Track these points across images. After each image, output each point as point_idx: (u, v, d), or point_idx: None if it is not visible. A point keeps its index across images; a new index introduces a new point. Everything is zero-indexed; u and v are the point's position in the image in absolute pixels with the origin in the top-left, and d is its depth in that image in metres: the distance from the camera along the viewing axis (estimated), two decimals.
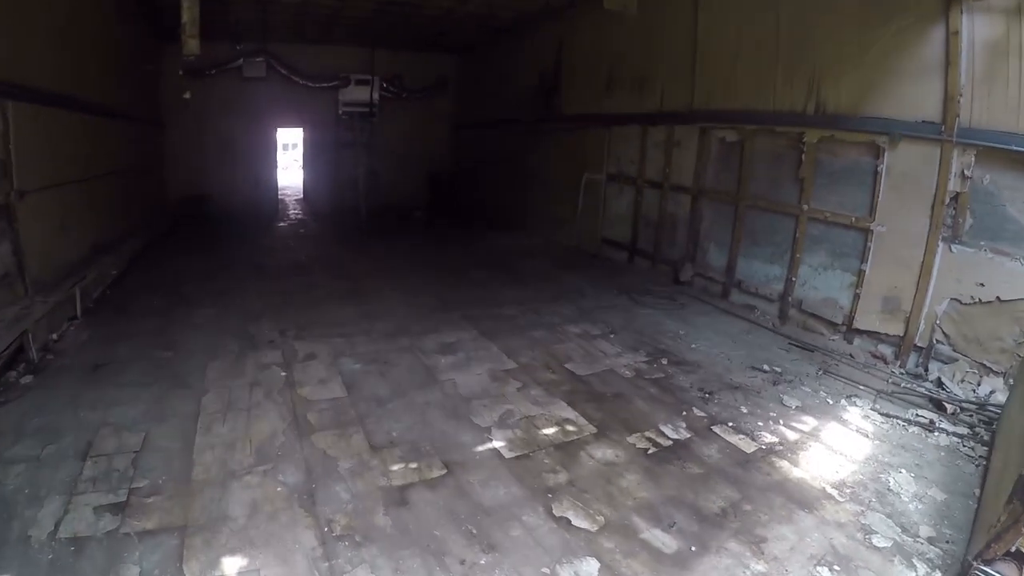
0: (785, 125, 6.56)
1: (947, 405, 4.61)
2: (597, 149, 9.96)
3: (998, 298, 4.81)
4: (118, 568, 2.64)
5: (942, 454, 4.02)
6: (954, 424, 4.41)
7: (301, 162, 17.47)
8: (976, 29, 4.86)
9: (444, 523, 3.07)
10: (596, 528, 3.10)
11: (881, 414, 4.52)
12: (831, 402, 4.74)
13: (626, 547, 2.97)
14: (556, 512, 3.20)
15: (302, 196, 16.55)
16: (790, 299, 6.59)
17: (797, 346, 5.93)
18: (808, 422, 4.39)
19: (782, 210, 6.68)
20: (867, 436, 4.21)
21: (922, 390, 4.96)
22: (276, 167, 15.26)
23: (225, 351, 5.23)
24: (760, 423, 4.34)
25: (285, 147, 23.92)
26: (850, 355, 5.72)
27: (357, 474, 3.46)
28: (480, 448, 3.84)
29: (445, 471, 3.54)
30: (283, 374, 4.82)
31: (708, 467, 3.75)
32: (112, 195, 8.48)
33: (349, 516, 3.08)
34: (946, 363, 5.14)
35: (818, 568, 2.88)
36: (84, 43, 7.19)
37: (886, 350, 5.63)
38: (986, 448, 4.05)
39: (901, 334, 5.47)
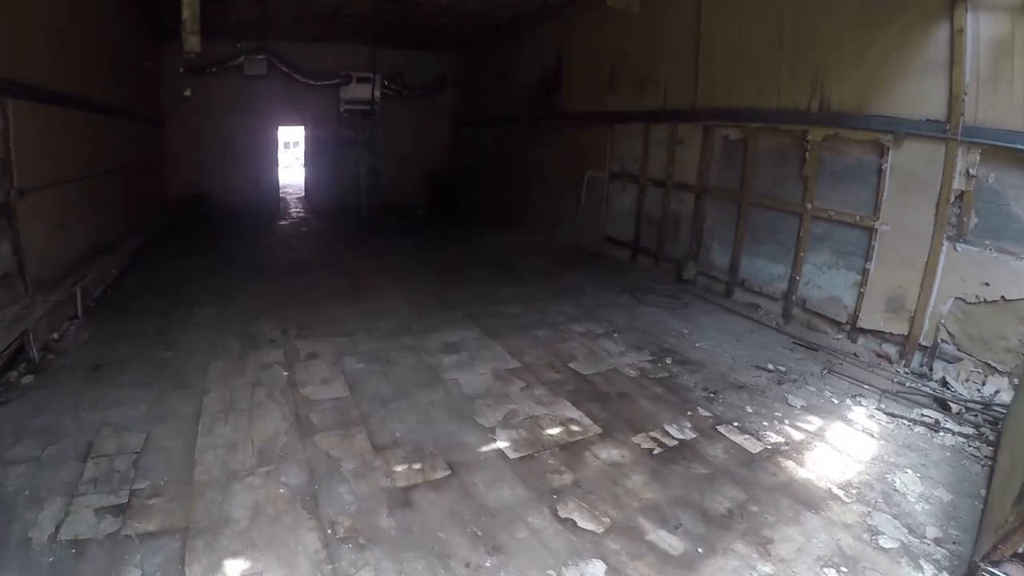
0: (789, 123, 6.53)
1: (952, 405, 4.59)
2: (599, 147, 9.93)
3: (1003, 297, 4.78)
4: (119, 571, 2.61)
5: (948, 454, 4.00)
6: (959, 424, 4.39)
7: (302, 160, 17.43)
8: (981, 27, 4.83)
9: (448, 525, 3.05)
10: (602, 530, 3.08)
11: (886, 414, 4.50)
12: (836, 402, 4.72)
13: (632, 549, 2.95)
14: (561, 513, 3.18)
15: (304, 194, 16.51)
16: (794, 298, 6.56)
17: (801, 345, 5.90)
18: (813, 422, 4.37)
19: (786, 208, 6.65)
20: (872, 436, 4.18)
21: (927, 390, 4.94)
22: (277, 165, 15.24)
23: (226, 350, 5.21)
24: (765, 423, 4.32)
25: (286, 145, 23.88)
26: (854, 354, 5.69)
27: (360, 475, 3.44)
28: (484, 448, 3.82)
29: (449, 472, 3.52)
30: (285, 373, 4.80)
31: (714, 467, 3.72)
32: (112, 194, 8.46)
33: (352, 518, 3.06)
34: (951, 363, 5.12)
35: (825, 570, 2.86)
36: (84, 41, 7.17)
37: (890, 349, 5.60)
38: (991, 448, 4.03)
39: (905, 333, 5.44)
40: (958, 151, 4.98)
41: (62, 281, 5.78)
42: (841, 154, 6.03)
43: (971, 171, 4.94)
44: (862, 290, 5.82)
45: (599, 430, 4.10)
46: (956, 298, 5.09)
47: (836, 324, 6.12)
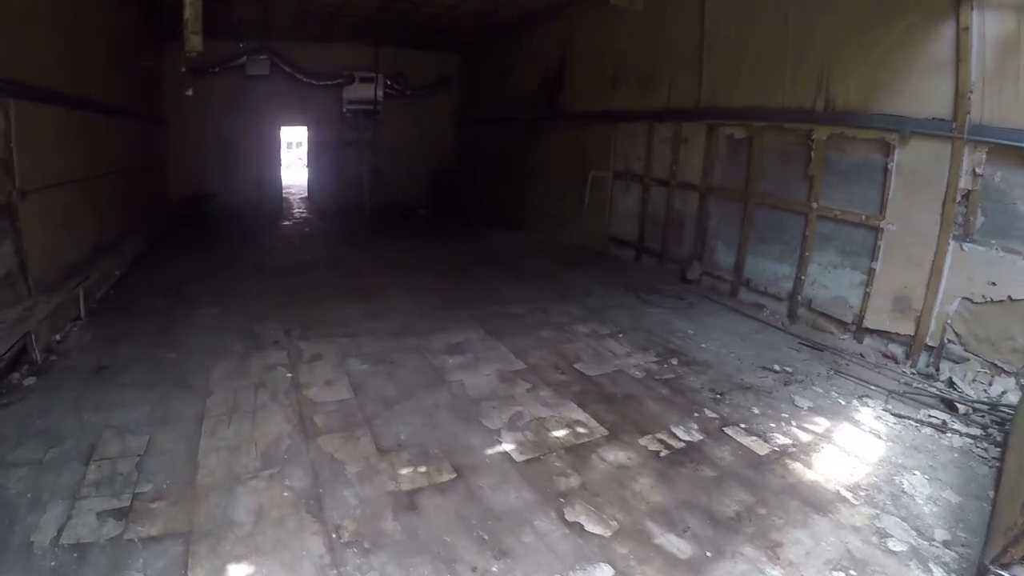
0: (794, 122, 6.50)
1: (959, 405, 4.55)
2: (603, 146, 9.90)
3: (1009, 297, 4.75)
4: (122, 575, 2.59)
5: (955, 455, 3.97)
6: (966, 425, 4.36)
7: (305, 160, 17.41)
8: (987, 25, 4.80)
9: (454, 529, 3.02)
10: (609, 533, 3.05)
11: (893, 415, 4.47)
12: (843, 403, 4.69)
13: (640, 553, 2.92)
14: (568, 517, 3.15)
15: (306, 194, 16.51)
16: (799, 298, 6.53)
17: (807, 345, 5.87)
18: (820, 423, 4.34)
19: (791, 208, 6.62)
20: (880, 437, 4.15)
21: (933, 390, 4.91)
22: (279, 165, 15.20)
23: (229, 352, 5.19)
24: (772, 424, 4.29)
25: (289, 145, 23.88)
26: (860, 355, 5.66)
27: (365, 478, 3.41)
28: (490, 451, 3.79)
29: (455, 475, 3.49)
30: (288, 375, 4.78)
31: (721, 470, 3.69)
32: (114, 194, 8.44)
33: (357, 522, 3.03)
34: (957, 363, 5.09)
35: (835, 573, 2.83)
36: (86, 41, 7.15)
37: (897, 350, 5.57)
38: (999, 449, 4.00)
39: (912, 333, 5.41)
40: (964, 150, 4.95)
41: (64, 282, 5.77)
42: (846, 153, 6.00)
43: (977, 170, 4.90)
44: (868, 290, 5.79)
45: (605, 432, 4.08)
46: (962, 298, 5.05)
47: (842, 324, 6.09)
